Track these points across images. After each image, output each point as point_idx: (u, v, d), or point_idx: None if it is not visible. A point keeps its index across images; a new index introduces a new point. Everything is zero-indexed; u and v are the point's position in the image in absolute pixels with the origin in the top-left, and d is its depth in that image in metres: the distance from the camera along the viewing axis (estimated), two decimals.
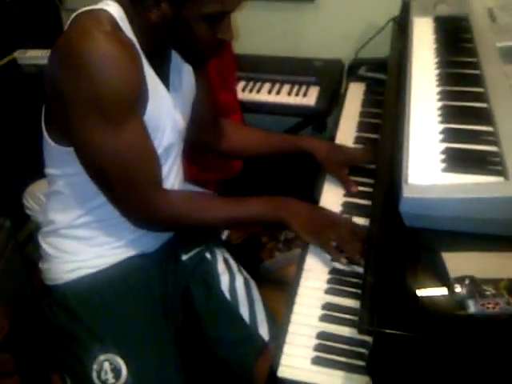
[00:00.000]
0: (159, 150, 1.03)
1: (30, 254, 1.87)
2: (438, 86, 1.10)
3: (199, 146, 1.35)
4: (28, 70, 1.86)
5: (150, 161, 0.99)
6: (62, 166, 1.03)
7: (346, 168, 1.28)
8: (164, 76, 1.06)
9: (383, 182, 1.01)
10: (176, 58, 1.08)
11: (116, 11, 0.94)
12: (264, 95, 1.85)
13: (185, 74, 1.12)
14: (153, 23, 0.93)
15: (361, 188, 1.23)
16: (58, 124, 0.98)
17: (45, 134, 1.02)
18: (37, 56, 1.87)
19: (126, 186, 0.96)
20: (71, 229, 1.09)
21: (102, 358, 1.01)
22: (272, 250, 2.06)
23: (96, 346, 1.02)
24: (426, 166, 0.86)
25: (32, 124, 1.13)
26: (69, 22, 0.95)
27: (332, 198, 1.22)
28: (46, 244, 1.12)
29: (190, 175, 1.30)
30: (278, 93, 1.85)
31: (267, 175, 2.01)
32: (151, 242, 1.13)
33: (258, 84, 1.90)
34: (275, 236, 2.08)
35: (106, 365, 1.00)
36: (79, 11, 0.95)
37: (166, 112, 1.04)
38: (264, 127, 1.43)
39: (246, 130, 1.41)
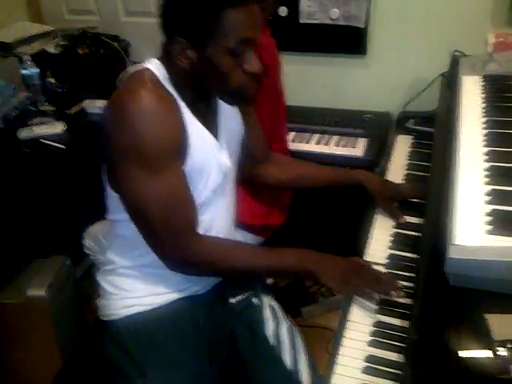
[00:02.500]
0: (206, 193, 1.11)
1: (85, 291, 1.97)
2: (486, 146, 1.12)
3: (254, 179, 1.42)
4: (94, 118, 2.00)
5: (186, 206, 1.06)
6: (120, 212, 1.12)
7: (396, 202, 1.35)
8: (211, 123, 1.14)
9: (429, 239, 1.03)
10: (222, 104, 1.16)
11: (157, 68, 1.05)
12: (313, 146, 1.91)
13: (232, 117, 1.20)
14: (184, 70, 1.03)
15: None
16: (113, 173, 1.09)
17: (105, 182, 1.13)
18: (102, 106, 2.01)
19: (161, 230, 1.04)
20: (129, 269, 1.17)
21: None
22: (315, 294, 2.07)
23: (140, 381, 1.07)
24: (471, 228, 0.88)
25: (96, 169, 1.23)
26: (120, 80, 1.08)
27: (382, 230, 1.31)
28: (105, 282, 1.20)
29: (239, 222, 1.37)
30: (327, 144, 1.91)
31: (312, 226, 2.05)
32: (200, 285, 1.19)
33: (308, 135, 1.97)
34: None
35: None
36: (128, 71, 1.08)
37: (211, 156, 1.12)
38: None
39: (299, 162, 1.49)
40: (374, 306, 1.07)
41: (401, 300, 1.04)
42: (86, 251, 1.68)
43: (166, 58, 1.06)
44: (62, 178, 1.81)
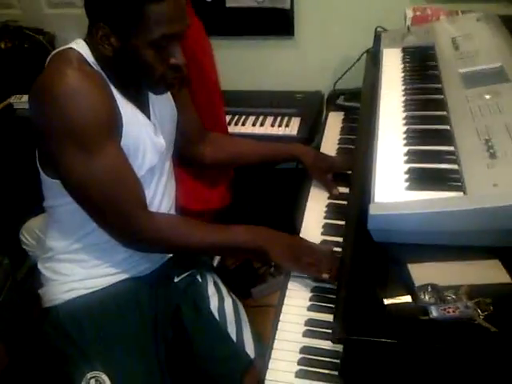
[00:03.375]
0: (142, 172, 1.11)
1: (30, 290, 1.92)
2: (404, 111, 1.17)
3: (191, 160, 1.42)
4: (23, 113, 1.95)
5: (130, 182, 1.06)
6: (56, 197, 1.11)
7: (330, 174, 1.40)
8: (142, 104, 1.14)
9: (355, 203, 1.07)
10: None
11: (83, 49, 1.04)
12: (249, 127, 1.94)
13: (163, 99, 1.20)
14: (108, 56, 1.02)
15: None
16: (46, 158, 1.07)
17: (39, 169, 1.11)
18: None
19: (109, 209, 1.03)
20: (67, 254, 1.16)
21: (89, 375, 1.06)
22: (264, 274, 2.10)
23: (85, 364, 1.07)
24: (390, 186, 0.93)
25: (27, 164, 1.21)
26: (46, 62, 1.05)
27: (317, 201, 1.36)
28: (45, 269, 1.19)
29: (179, 206, 1.37)
30: (262, 125, 1.94)
31: (256, 207, 2.08)
32: (144, 265, 1.20)
33: (243, 117, 1.99)
34: (267, 261, 2.12)
35: (92, 382, 1.05)
36: (53, 52, 1.06)
37: (145, 135, 1.11)
38: None
39: (236, 140, 1.51)
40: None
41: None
42: (25, 247, 1.64)
43: (91, 41, 1.05)
44: None
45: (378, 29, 1.80)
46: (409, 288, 0.80)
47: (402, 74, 1.37)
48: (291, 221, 1.34)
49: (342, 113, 1.83)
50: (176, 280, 1.24)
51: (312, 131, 1.90)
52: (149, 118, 1.15)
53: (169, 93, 1.23)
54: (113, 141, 1.03)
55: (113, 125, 1.03)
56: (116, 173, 1.02)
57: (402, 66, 1.42)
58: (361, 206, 0.97)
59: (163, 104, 1.20)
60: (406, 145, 1.05)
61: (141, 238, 1.08)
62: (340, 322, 0.79)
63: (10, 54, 2.10)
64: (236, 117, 1.99)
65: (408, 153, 1.02)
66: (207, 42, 1.64)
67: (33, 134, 1.07)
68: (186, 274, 1.25)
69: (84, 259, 1.15)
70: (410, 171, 0.96)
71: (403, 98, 1.24)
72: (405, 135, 1.08)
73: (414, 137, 1.07)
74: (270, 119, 1.96)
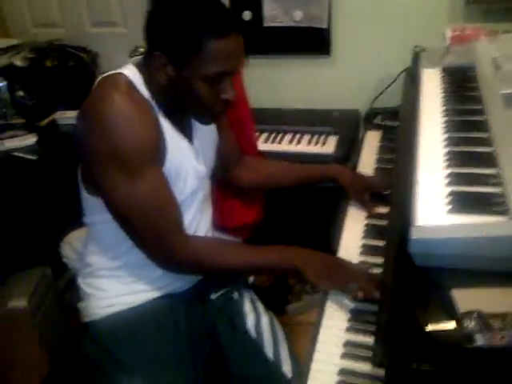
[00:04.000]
0: (183, 196, 1.13)
1: (69, 302, 1.96)
2: (445, 132, 1.16)
3: (229, 183, 1.44)
4: (66, 129, 2.01)
5: (170, 207, 1.08)
6: (96, 215, 1.14)
7: (367, 194, 1.39)
8: (186, 130, 1.17)
9: (396, 225, 1.06)
10: None
11: (133, 74, 1.06)
12: (285, 145, 1.95)
13: (207, 126, 1.22)
14: (162, 84, 1.05)
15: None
16: (88, 176, 1.10)
17: (80, 186, 1.15)
18: (74, 117, 2.02)
19: (148, 231, 1.05)
20: (106, 270, 1.19)
21: None
22: (300, 292, 2.10)
23: (123, 380, 1.09)
24: (432, 209, 0.92)
25: (69, 179, 1.24)
26: (94, 85, 1.08)
27: (355, 221, 1.36)
28: (85, 284, 1.22)
29: (217, 225, 1.39)
30: (299, 143, 1.95)
31: (290, 221, 2.08)
32: (180, 283, 1.21)
33: (280, 135, 2.01)
34: (303, 279, 2.12)
35: None
36: (102, 76, 1.08)
37: (188, 162, 1.14)
38: None
39: (272, 163, 1.52)
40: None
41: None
42: (65, 260, 1.68)
43: (145, 67, 1.07)
44: (35, 189, 1.81)
45: (416, 48, 1.80)
46: (452, 314, 0.79)
47: (442, 95, 1.36)
48: (328, 240, 1.34)
49: (380, 132, 1.83)
50: (212, 297, 1.25)
51: (349, 150, 1.90)
52: (191, 143, 1.17)
53: None
54: (156, 166, 1.05)
55: (157, 151, 1.05)
56: (157, 197, 1.05)
57: (442, 86, 1.41)
58: (401, 228, 0.96)
59: (206, 130, 1.22)
60: (447, 167, 1.04)
61: (177, 261, 1.10)
62: (382, 345, 0.79)
63: (54, 71, 2.18)
64: (273, 135, 2.01)
65: (450, 175, 1.01)
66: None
67: (76, 153, 1.10)
68: (222, 292, 1.26)
69: (122, 275, 1.18)
70: (451, 194, 0.95)
71: (444, 119, 1.23)
72: (446, 157, 1.07)
73: (455, 159, 1.06)
74: (306, 137, 1.97)
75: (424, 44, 1.80)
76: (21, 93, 2.03)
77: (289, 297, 2.09)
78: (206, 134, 1.23)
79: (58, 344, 1.70)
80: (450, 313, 0.79)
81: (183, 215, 1.13)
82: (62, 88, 2.14)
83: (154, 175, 1.04)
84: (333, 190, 1.52)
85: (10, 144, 1.79)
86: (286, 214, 2.04)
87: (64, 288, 1.92)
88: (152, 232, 1.05)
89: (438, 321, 0.79)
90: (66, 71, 2.20)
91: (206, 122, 1.17)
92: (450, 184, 0.98)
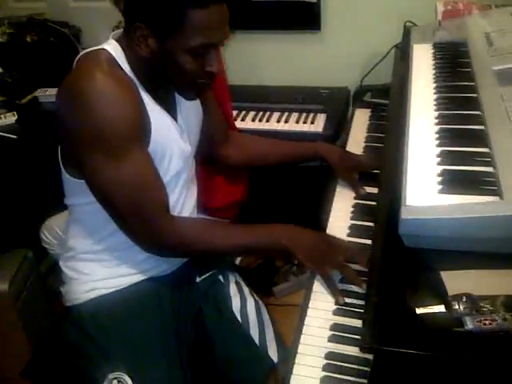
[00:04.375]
0: (167, 177, 1.09)
1: (52, 286, 1.93)
2: (436, 110, 1.14)
3: (215, 160, 1.40)
4: (48, 107, 1.95)
5: (156, 189, 1.04)
6: (78, 197, 1.10)
7: (356, 173, 1.36)
8: (170, 107, 1.12)
9: (385, 204, 1.04)
10: None
11: (115, 50, 1.02)
12: (273, 124, 1.91)
13: (191, 102, 1.17)
14: (143, 58, 1.00)
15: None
16: (70, 158, 1.06)
17: (61, 167, 1.10)
18: (55, 94, 1.97)
19: (133, 214, 1.02)
20: (89, 253, 1.16)
21: (110, 376, 1.05)
22: (286, 273, 2.08)
23: (106, 365, 1.06)
24: (423, 189, 0.89)
25: (51, 159, 1.20)
26: (74, 62, 1.04)
27: (343, 201, 1.33)
28: (67, 268, 1.19)
29: (201, 205, 1.36)
30: (287, 121, 1.91)
31: (276, 200, 2.06)
32: (165, 265, 1.18)
33: (268, 114, 1.96)
34: (290, 260, 2.11)
35: (115, 383, 1.04)
36: (83, 52, 1.04)
37: (172, 140, 1.10)
38: None
39: (259, 140, 1.48)
40: (337, 276, 1.07)
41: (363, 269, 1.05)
42: (44, 245, 1.65)
43: (126, 42, 1.02)
44: (16, 169, 1.76)
45: (408, 23, 1.76)
46: (442, 297, 0.77)
47: (434, 71, 1.32)
48: (316, 219, 1.31)
49: (369, 110, 1.79)
50: (198, 280, 1.22)
51: (338, 128, 1.86)
52: (176, 120, 1.13)
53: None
54: (140, 146, 1.01)
55: (141, 130, 1.01)
56: (141, 178, 1.01)
57: (433, 62, 1.38)
58: (391, 209, 0.94)
59: (190, 106, 1.18)
60: (438, 145, 1.01)
61: (163, 244, 1.06)
62: (370, 329, 0.77)
63: (35, 47, 2.11)
64: (260, 113, 1.96)
65: (441, 154, 0.98)
66: None
67: (57, 133, 1.06)
68: (207, 274, 1.23)
69: (105, 259, 1.15)
70: (443, 173, 0.92)
71: (435, 96, 1.20)
72: (437, 135, 1.04)
73: (446, 137, 1.03)
74: (294, 116, 1.93)
75: (416, 19, 1.76)
76: (0, 69, 1.96)
77: (275, 278, 2.08)
78: (191, 109, 1.19)
79: (40, 329, 1.67)
80: (440, 296, 0.78)
81: (168, 196, 1.09)
82: (44, 64, 2.06)
83: (139, 156, 1.00)
84: (319, 168, 1.50)
85: None
86: (271, 192, 2.02)
87: (46, 272, 1.89)
88: (137, 215, 1.02)
89: (427, 304, 0.77)
90: (48, 47, 2.12)
91: (190, 97, 1.13)
92: (441, 163, 0.96)
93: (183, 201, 1.18)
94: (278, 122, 1.91)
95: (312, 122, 1.88)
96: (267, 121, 1.92)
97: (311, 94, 2.03)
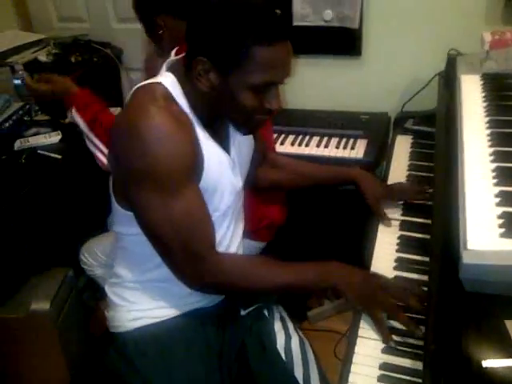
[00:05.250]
0: (217, 214, 1.08)
1: (87, 301, 1.95)
2: (491, 146, 1.11)
3: (252, 182, 1.37)
4: None
5: (204, 227, 1.02)
6: (127, 227, 1.09)
7: (384, 202, 1.36)
8: (224, 140, 1.12)
9: (439, 243, 1.02)
10: None
11: (171, 84, 1.01)
12: (313, 149, 1.90)
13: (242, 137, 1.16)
14: (203, 92, 0.99)
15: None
16: (121, 191, 1.05)
17: (112, 196, 1.10)
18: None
19: (179, 251, 1.00)
20: (135, 283, 1.15)
21: None
22: (321, 297, 2.06)
23: None
24: (484, 232, 0.87)
25: (94, 180, 1.20)
26: (129, 95, 1.03)
27: (388, 232, 1.32)
28: (113, 294, 1.19)
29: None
30: (327, 146, 1.90)
31: (313, 224, 2.04)
32: (209, 298, 1.17)
33: (307, 138, 1.96)
34: (337, 296, 2.08)
35: None
36: (138, 85, 1.03)
37: (225, 176, 1.09)
38: None
39: (294, 161, 1.48)
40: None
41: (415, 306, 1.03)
42: (83, 266, 1.66)
43: (184, 74, 1.01)
44: (59, 189, 1.78)
45: (451, 51, 1.74)
46: (508, 349, 0.74)
47: (484, 104, 1.30)
48: (356, 246, 1.31)
49: (411, 137, 1.79)
50: (242, 313, 1.21)
51: (378, 155, 1.84)
52: (229, 153, 1.12)
53: None
54: (192, 184, 1.00)
55: (193, 168, 1.00)
56: (191, 217, 0.99)
57: (484, 94, 1.35)
58: (448, 249, 0.92)
59: (243, 139, 1.17)
60: (496, 185, 0.98)
61: (206, 282, 1.04)
62: (431, 378, 0.74)
63: (79, 67, 2.15)
64: (300, 137, 1.96)
65: (499, 194, 0.95)
66: None
67: (110, 164, 1.07)
68: (252, 308, 1.21)
69: (151, 289, 1.14)
70: (503, 216, 0.90)
71: (488, 131, 1.17)
72: (494, 174, 1.02)
73: (504, 176, 1.00)
74: (334, 141, 1.92)
75: (459, 47, 1.74)
76: None
77: (309, 302, 2.05)
78: (244, 142, 1.18)
79: (78, 349, 1.68)
80: (505, 346, 0.75)
81: (216, 232, 1.08)
82: (86, 84, 2.10)
83: (190, 194, 0.99)
84: (357, 192, 1.48)
85: (35, 141, 1.76)
86: (309, 216, 2.00)
87: (82, 288, 1.90)
88: (183, 252, 1.00)
89: (492, 356, 0.74)
90: (90, 67, 2.17)
91: (245, 132, 1.11)
92: (500, 204, 0.93)
93: (231, 234, 1.17)
94: (318, 146, 1.90)
95: (352, 148, 1.87)
96: (306, 145, 1.92)
97: (351, 119, 2.02)
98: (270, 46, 0.92)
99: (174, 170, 0.95)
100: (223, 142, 1.11)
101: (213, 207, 1.06)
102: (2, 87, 1.92)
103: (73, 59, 2.14)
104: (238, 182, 1.15)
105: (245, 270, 1.07)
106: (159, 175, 0.95)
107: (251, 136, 1.22)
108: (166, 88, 1.00)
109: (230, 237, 1.17)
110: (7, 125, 1.81)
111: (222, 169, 1.08)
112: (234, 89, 0.96)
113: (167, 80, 1.01)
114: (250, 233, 1.54)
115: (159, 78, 1.02)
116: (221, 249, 1.11)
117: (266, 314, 1.23)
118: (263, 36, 0.91)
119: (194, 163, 1.00)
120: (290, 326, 1.23)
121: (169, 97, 1.00)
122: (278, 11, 0.95)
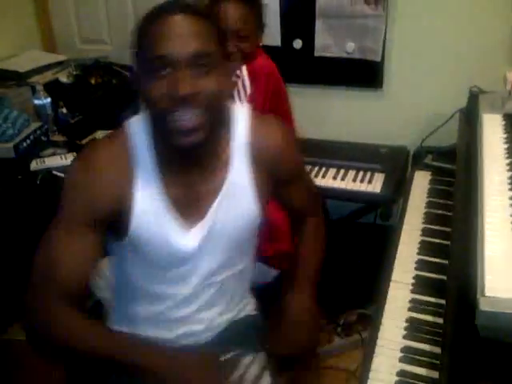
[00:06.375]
0: (153, 268, 1.03)
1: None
2: (511, 189, 1.08)
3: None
4: None
5: (68, 276, 0.95)
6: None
7: None
8: (193, 197, 0.99)
9: (455, 288, 0.99)
10: (234, 183, 1.00)
11: (138, 118, 0.98)
12: (329, 181, 1.88)
13: (242, 198, 1.02)
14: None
15: None
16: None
17: None
18: None
19: (35, 284, 0.97)
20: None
21: None
22: (330, 333, 2.01)
23: None
24: (502, 279, 0.84)
25: None
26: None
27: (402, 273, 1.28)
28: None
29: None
30: (343, 179, 1.88)
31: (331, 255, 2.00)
32: (192, 339, 1.12)
33: (323, 169, 1.94)
34: (334, 319, 2.04)
35: None
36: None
37: (165, 234, 0.98)
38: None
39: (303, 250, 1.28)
40: (399, 354, 1.02)
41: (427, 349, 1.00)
42: (92, 289, 1.63)
43: None
44: None
45: (473, 88, 1.72)
46: None
47: (506, 145, 1.27)
48: (372, 279, 1.28)
49: (430, 173, 1.75)
50: (221, 359, 1.12)
51: (396, 190, 1.82)
52: (203, 214, 1.01)
53: (257, 196, 1.04)
54: (87, 229, 0.94)
55: (104, 217, 0.95)
56: (62, 257, 0.94)
57: (505, 136, 1.32)
58: (465, 294, 0.88)
59: (237, 202, 1.02)
60: None
61: (30, 320, 0.99)
62: None
63: (99, 89, 2.18)
64: (316, 168, 1.94)
65: None
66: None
67: None
68: (230, 355, 1.15)
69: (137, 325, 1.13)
70: None
71: (508, 174, 1.14)
72: None
73: None
74: (351, 173, 1.90)
75: (481, 84, 1.72)
76: (64, 110, 2.01)
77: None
78: (235, 208, 1.02)
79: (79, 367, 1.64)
80: None
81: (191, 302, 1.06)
82: (105, 107, 2.12)
83: (75, 238, 0.94)
84: (375, 226, 1.45)
85: (51, 162, 1.77)
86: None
87: (88, 311, 1.87)
88: (37, 287, 0.96)
89: None
90: (110, 90, 2.19)
91: (179, 142, 0.91)
92: None
93: (207, 299, 1.09)
94: (335, 178, 1.88)
95: (369, 182, 1.84)
96: (323, 177, 1.90)
97: (370, 152, 2.01)
98: (153, 24, 0.87)
99: (78, 210, 0.94)
100: (187, 202, 0.99)
101: (140, 258, 1.02)
102: (22, 107, 1.95)
103: (93, 81, 2.17)
104: (192, 246, 1.00)
105: (77, 329, 0.97)
106: (64, 206, 0.96)
107: (253, 207, 1.05)
108: (129, 129, 0.97)
109: (206, 301, 1.10)
110: (25, 144, 1.83)
111: (161, 229, 0.98)
112: (139, 83, 0.90)
113: (138, 118, 0.99)
114: (264, 258, 1.52)
115: (134, 117, 1.00)
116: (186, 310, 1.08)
117: (247, 361, 1.15)
118: (150, 19, 0.89)
119: (106, 213, 0.95)
120: (267, 374, 1.15)
121: (125, 137, 0.96)
122: None
